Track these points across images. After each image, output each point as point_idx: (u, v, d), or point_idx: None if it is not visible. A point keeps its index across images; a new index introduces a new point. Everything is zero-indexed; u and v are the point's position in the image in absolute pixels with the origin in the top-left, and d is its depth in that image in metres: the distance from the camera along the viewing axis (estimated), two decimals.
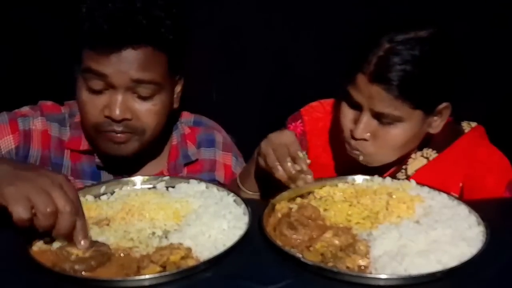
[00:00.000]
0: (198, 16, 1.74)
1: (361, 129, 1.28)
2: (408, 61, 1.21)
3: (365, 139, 1.30)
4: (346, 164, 1.41)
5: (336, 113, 1.42)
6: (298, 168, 1.16)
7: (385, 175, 1.33)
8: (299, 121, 1.53)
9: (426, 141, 1.40)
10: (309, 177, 1.18)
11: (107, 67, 1.23)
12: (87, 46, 1.24)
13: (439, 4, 1.63)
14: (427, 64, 1.22)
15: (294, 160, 1.17)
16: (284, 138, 1.22)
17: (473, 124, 1.43)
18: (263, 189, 1.35)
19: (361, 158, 1.33)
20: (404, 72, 1.21)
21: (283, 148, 1.19)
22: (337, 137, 1.43)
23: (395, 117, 1.25)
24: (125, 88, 1.25)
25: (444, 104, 1.29)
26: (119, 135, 1.29)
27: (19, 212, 0.92)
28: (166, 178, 1.27)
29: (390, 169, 1.41)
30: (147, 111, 1.29)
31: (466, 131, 1.42)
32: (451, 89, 1.30)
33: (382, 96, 1.23)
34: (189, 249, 1.00)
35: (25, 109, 1.41)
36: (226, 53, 1.81)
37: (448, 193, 1.19)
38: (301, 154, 1.19)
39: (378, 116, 1.27)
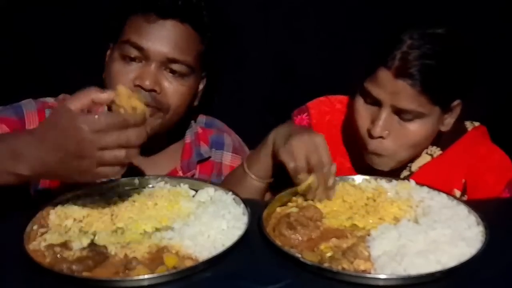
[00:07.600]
0: None
1: (380, 127, 1.26)
2: (430, 56, 1.21)
3: (382, 137, 1.28)
4: (353, 161, 1.40)
5: (348, 112, 1.42)
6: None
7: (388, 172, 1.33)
8: (305, 114, 1.51)
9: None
10: (331, 194, 1.17)
11: (146, 40, 1.30)
12: (136, 12, 1.32)
13: (437, 4, 1.63)
14: (448, 59, 1.24)
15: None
16: (317, 141, 1.15)
17: (476, 123, 1.44)
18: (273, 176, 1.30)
19: (376, 160, 1.32)
20: (428, 67, 1.21)
21: (314, 157, 1.14)
22: (344, 134, 1.44)
23: (418, 113, 1.25)
24: (159, 63, 1.31)
25: (457, 101, 1.31)
26: None
27: (106, 175, 0.99)
28: (166, 178, 1.27)
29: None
30: (174, 90, 1.33)
31: (468, 129, 1.42)
32: (464, 86, 1.30)
33: (407, 92, 1.22)
34: (188, 250, 0.99)
35: (50, 100, 1.43)
36: (226, 53, 1.80)
37: (447, 193, 1.18)
38: (334, 169, 1.15)
39: (399, 113, 1.26)
